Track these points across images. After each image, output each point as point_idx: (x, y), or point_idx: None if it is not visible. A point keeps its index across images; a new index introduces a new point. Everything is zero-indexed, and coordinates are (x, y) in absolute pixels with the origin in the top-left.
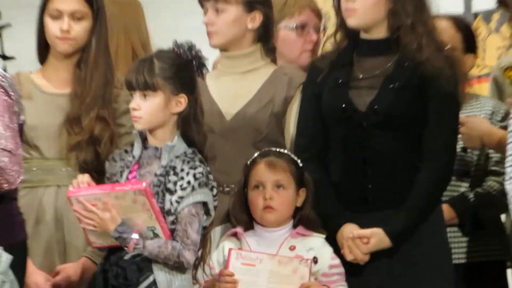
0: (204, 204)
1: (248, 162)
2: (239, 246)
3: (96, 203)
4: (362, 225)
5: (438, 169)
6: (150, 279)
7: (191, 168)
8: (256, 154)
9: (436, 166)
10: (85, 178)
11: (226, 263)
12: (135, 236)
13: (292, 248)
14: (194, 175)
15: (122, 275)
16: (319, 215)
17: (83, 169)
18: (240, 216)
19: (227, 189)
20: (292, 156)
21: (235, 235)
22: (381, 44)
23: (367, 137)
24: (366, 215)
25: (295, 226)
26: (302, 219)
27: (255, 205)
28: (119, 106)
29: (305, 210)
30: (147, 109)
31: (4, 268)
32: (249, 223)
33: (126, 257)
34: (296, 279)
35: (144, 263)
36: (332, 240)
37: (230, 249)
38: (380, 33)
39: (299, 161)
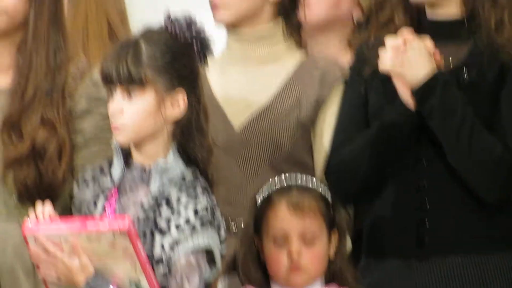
0: (208, 251)
1: (259, 199)
2: None
3: (61, 245)
4: (416, 277)
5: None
6: None
7: (191, 198)
8: (269, 188)
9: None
10: (46, 209)
11: None
12: None
13: None
14: (196, 211)
15: None
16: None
17: (21, 194)
18: (254, 274)
19: (232, 223)
20: (321, 187)
21: None
22: (452, 26)
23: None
24: (421, 263)
25: (327, 282)
26: (335, 274)
27: (276, 264)
28: (76, 104)
29: (337, 262)
30: (133, 113)
31: None
32: (265, 282)
33: None
34: None
35: None
36: None
37: None
38: (451, 9)
39: (328, 193)
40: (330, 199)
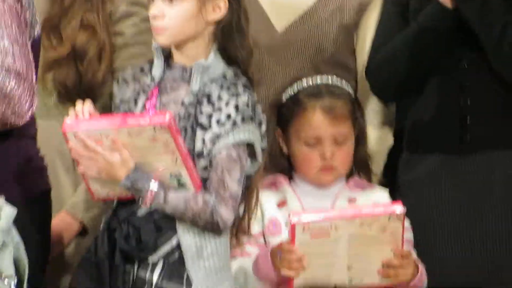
0: (249, 145)
1: (284, 98)
2: (281, 198)
3: (101, 141)
4: (457, 172)
5: None
6: (173, 242)
7: (232, 95)
8: (295, 88)
9: None
10: (86, 106)
11: (290, 236)
12: (153, 186)
13: (352, 200)
14: (236, 106)
15: (135, 236)
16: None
17: (60, 94)
18: (280, 161)
19: None
20: (347, 88)
21: (273, 184)
22: None
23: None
24: (462, 158)
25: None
26: (357, 166)
27: (308, 164)
28: (116, 7)
29: (360, 154)
30: (174, 16)
31: (4, 226)
32: (290, 171)
33: (141, 212)
34: (386, 238)
35: (165, 222)
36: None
37: (293, 225)
38: None
39: (351, 90)
40: (353, 95)
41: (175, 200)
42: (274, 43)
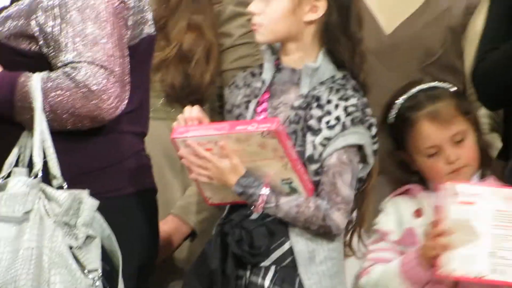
0: (360, 147)
1: (390, 117)
2: (418, 207)
3: (211, 147)
4: None
5: None
6: (285, 247)
7: (341, 99)
8: (396, 105)
9: None
10: (194, 112)
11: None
12: (265, 191)
13: None
14: (346, 109)
15: (248, 241)
16: None
17: (168, 96)
18: (412, 179)
19: None
20: (448, 86)
21: (411, 192)
22: None
23: None
24: None
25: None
26: (486, 162)
27: (436, 173)
28: (224, 8)
29: (481, 143)
30: (269, 13)
31: (86, 219)
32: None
33: (253, 217)
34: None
35: (277, 226)
36: None
37: (443, 186)
38: None
39: (450, 86)
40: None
41: (287, 205)
42: (382, 46)
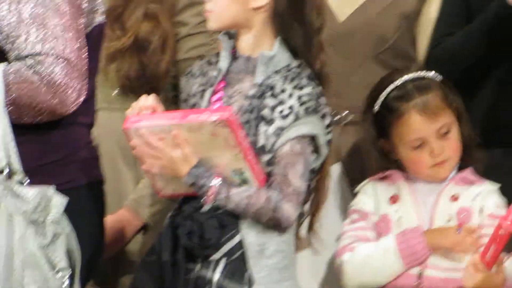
0: (313, 138)
1: (376, 107)
2: (394, 192)
3: (163, 137)
4: None
5: None
6: (236, 240)
7: (295, 88)
8: (383, 94)
9: None
10: (149, 101)
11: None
12: (215, 182)
13: (454, 199)
14: (300, 98)
15: (198, 233)
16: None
17: (124, 86)
18: (391, 167)
19: (337, 117)
20: (435, 75)
21: (389, 178)
22: None
23: None
24: None
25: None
26: (466, 146)
27: (419, 165)
28: None
29: (466, 132)
30: (217, 0)
31: (55, 216)
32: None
33: (204, 209)
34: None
35: (228, 218)
36: None
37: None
38: None
39: (440, 77)
40: (443, 80)
41: (237, 196)
42: (335, 33)
